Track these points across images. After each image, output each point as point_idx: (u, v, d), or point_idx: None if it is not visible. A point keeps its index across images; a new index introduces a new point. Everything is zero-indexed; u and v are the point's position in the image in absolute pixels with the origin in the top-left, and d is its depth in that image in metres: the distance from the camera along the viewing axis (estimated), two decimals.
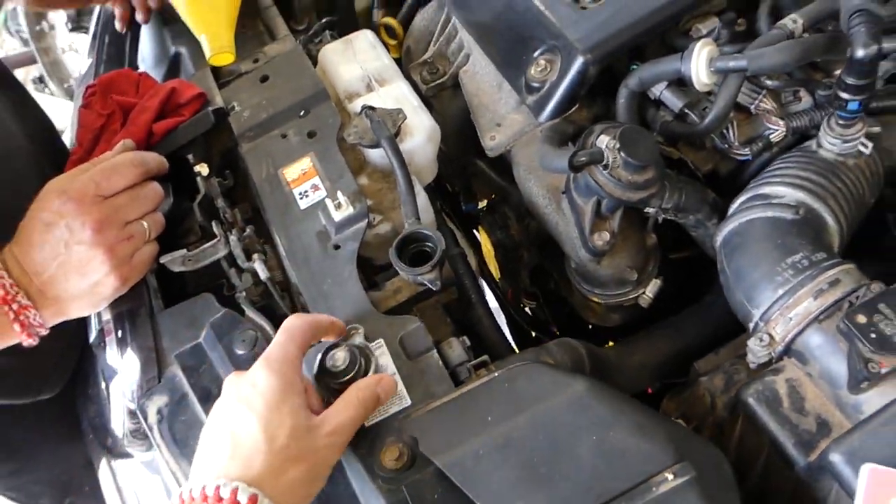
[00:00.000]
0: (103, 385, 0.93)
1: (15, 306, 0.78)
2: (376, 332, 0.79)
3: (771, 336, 0.74)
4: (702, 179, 0.97)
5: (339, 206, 0.86)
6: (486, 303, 0.96)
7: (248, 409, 0.66)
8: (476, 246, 1.29)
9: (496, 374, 0.73)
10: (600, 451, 0.64)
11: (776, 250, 0.76)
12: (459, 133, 1.10)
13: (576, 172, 0.83)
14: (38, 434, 1.06)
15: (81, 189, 0.81)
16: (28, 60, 2.79)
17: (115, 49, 1.19)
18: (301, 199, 0.90)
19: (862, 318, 0.68)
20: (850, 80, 0.78)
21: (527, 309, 1.32)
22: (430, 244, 0.84)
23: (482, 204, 1.29)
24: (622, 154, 0.81)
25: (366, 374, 0.75)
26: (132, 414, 0.87)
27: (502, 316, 1.38)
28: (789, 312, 0.73)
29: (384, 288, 0.88)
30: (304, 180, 0.91)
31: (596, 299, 0.97)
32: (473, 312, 0.96)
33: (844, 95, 0.80)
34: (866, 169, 0.86)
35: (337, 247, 0.86)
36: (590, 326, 1.12)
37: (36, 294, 0.81)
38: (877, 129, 0.85)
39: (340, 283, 0.84)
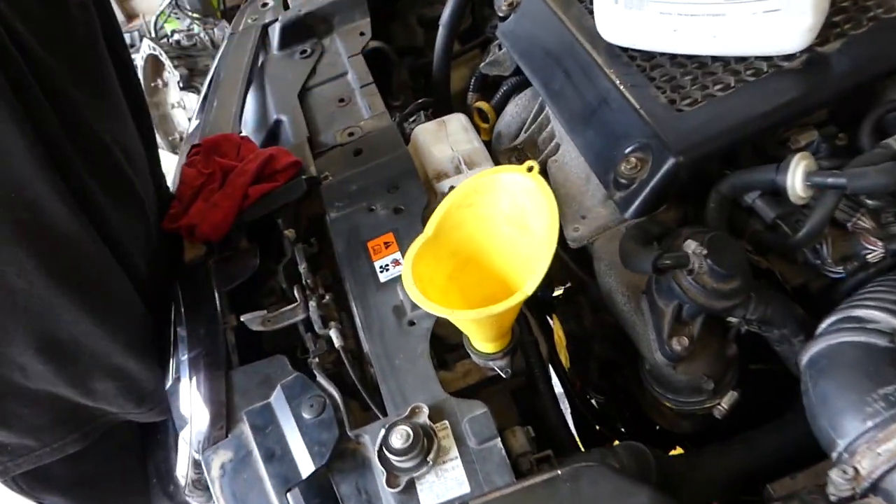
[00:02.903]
0: (172, 432, 0.96)
1: None
2: (442, 413, 0.78)
3: (856, 470, 0.70)
4: (790, 293, 0.94)
5: None
6: (553, 394, 0.94)
7: None
8: (548, 332, 1.28)
9: (559, 472, 0.71)
10: None
11: (867, 378, 0.72)
12: None
13: (659, 275, 0.82)
14: (108, 474, 1.08)
15: None
16: None
17: (223, 115, 1.26)
18: (381, 272, 0.92)
19: None
20: None
21: (593, 402, 1.29)
22: None
23: (558, 291, 1.28)
24: (709, 261, 0.80)
25: (427, 454, 0.74)
26: (196, 464, 0.88)
27: (567, 404, 1.36)
28: (878, 447, 0.69)
29: (454, 369, 0.87)
30: (386, 254, 0.93)
31: (668, 404, 0.94)
32: (540, 402, 0.95)
33: None
34: None
35: (412, 323, 0.87)
36: (657, 428, 1.08)
37: None
38: None
39: (412, 360, 0.84)
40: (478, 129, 1.31)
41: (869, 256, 0.88)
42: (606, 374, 1.21)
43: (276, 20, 1.41)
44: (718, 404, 0.91)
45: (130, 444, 1.08)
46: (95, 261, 0.88)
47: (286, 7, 1.48)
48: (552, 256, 0.71)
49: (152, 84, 2.88)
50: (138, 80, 1.05)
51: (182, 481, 0.91)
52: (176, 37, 2.83)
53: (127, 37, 3.43)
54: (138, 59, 2.83)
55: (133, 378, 0.95)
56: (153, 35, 2.96)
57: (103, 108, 0.93)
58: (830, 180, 0.82)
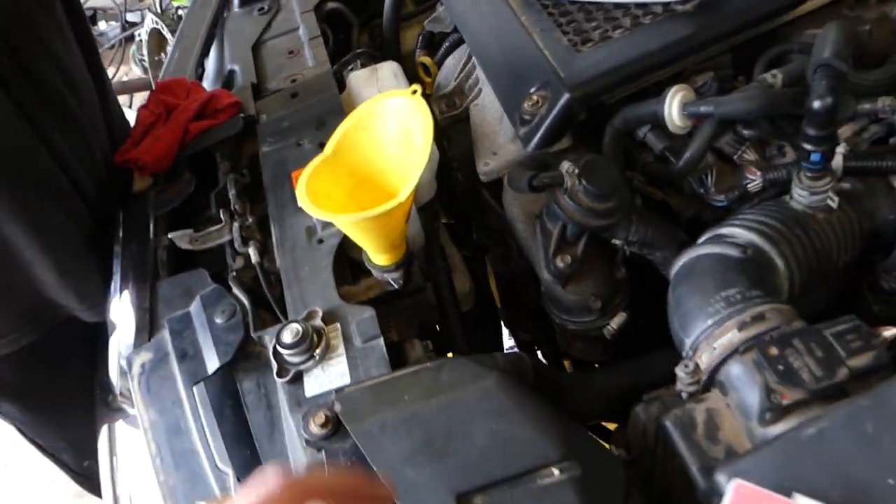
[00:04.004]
0: None
1: None
2: (335, 317, 0.86)
3: (697, 365, 0.76)
4: (684, 225, 1.00)
5: None
6: (458, 314, 1.01)
7: None
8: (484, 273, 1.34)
9: (427, 365, 0.78)
10: (495, 438, 0.68)
11: (713, 283, 0.78)
12: (471, 163, 1.17)
13: (533, 192, 0.88)
14: (57, 382, 1.18)
15: None
16: (146, 86, 3.11)
17: (180, 65, 1.35)
18: None
19: (774, 351, 0.69)
20: (810, 132, 0.81)
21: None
22: None
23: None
24: (582, 180, 0.86)
25: (314, 349, 0.82)
26: (124, 373, 0.97)
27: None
28: (715, 342, 0.75)
29: (359, 284, 0.95)
30: None
31: (567, 325, 1.00)
32: (448, 322, 1.02)
33: (807, 146, 0.82)
34: (837, 225, 0.86)
35: (321, 241, 0.95)
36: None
37: None
38: (846, 186, 0.87)
39: (316, 272, 0.92)
40: (423, 83, 1.38)
41: (749, 186, 0.93)
42: (537, 317, 1.27)
43: None
44: (608, 324, 0.97)
45: (80, 355, 1.17)
46: (37, 162, 0.97)
47: None
48: (425, 165, 0.78)
49: (156, 58, 3.00)
50: (80, 5, 1.12)
51: (116, 388, 1.00)
52: (180, 12, 2.93)
53: (137, 14, 3.56)
54: (143, 34, 2.95)
55: (74, 276, 1.03)
56: (159, 11, 3.08)
57: (42, 22, 1.01)
58: (702, 108, 0.88)
